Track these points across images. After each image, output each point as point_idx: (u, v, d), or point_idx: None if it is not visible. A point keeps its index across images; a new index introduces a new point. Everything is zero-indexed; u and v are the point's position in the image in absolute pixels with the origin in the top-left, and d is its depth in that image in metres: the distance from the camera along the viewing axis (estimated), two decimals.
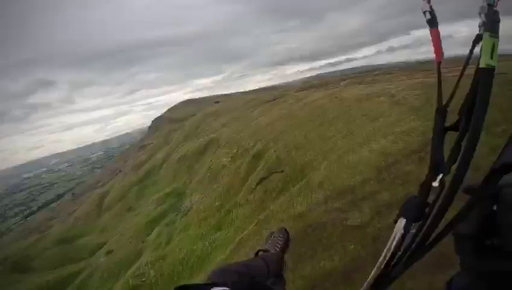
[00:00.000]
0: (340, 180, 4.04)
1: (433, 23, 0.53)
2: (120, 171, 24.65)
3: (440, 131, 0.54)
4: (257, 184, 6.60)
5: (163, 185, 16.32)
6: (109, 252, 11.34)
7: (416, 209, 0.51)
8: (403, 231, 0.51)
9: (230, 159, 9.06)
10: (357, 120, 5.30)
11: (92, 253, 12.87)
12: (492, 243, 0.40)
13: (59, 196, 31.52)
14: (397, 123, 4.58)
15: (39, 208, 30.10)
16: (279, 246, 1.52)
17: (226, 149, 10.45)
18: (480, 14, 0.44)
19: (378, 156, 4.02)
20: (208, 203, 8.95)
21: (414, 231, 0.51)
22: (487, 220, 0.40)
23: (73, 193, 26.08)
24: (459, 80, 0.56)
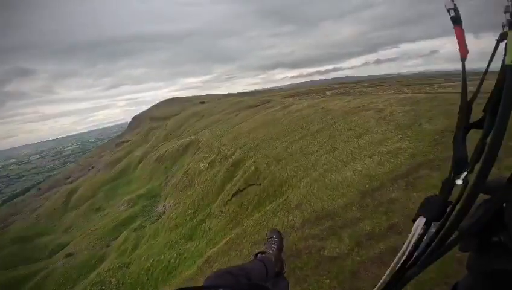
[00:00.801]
0: (320, 202, 3.65)
1: (456, 20, 0.52)
2: (93, 167, 23.24)
3: (464, 128, 0.53)
4: (233, 195, 6.12)
5: (138, 186, 15.40)
6: (69, 254, 10.37)
7: (437, 208, 0.50)
8: (421, 231, 0.50)
9: (208, 164, 8.52)
10: (342, 135, 4.97)
11: (51, 254, 11.79)
12: (499, 240, 0.42)
13: (26, 190, 29.25)
14: (384, 142, 4.27)
15: (4, 202, 27.74)
16: (275, 247, 1.48)
17: (205, 153, 9.89)
18: (505, 13, 0.44)
19: (363, 178, 3.67)
20: (181, 209, 8.35)
21: (433, 230, 0.50)
22: (494, 216, 0.41)
23: (39, 188, 24.25)
24: (483, 79, 0.55)
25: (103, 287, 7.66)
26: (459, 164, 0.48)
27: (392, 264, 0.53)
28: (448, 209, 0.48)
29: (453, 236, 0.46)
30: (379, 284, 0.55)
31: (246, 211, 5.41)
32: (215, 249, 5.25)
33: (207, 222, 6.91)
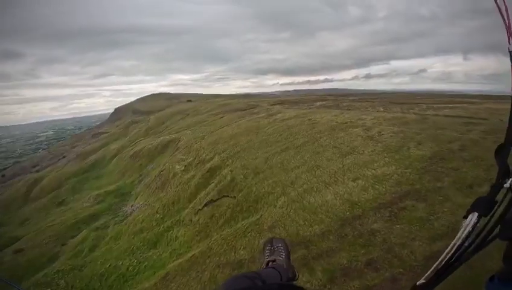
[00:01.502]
0: (295, 226, 3.26)
1: None
2: (64, 156, 21.81)
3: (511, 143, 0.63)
4: (205, 205, 5.62)
5: (108, 181, 14.43)
6: (19, 250, 9.36)
7: (489, 206, 0.60)
8: (473, 224, 0.60)
9: (183, 167, 7.98)
10: (327, 152, 4.64)
11: (3, 247, 10.63)
12: None
13: None
14: (370, 164, 3.97)
15: None
16: (283, 254, 1.46)
17: (182, 155, 9.32)
18: None
19: (344, 203, 3.33)
20: (149, 213, 7.72)
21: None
22: None
23: (3, 175, 22.38)
24: None
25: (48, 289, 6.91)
26: (506, 172, 0.61)
27: (445, 253, 0.62)
28: (495, 208, 0.60)
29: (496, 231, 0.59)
30: (432, 268, 0.64)
31: (216, 224, 4.94)
32: (176, 263, 4.73)
33: (174, 229, 6.36)
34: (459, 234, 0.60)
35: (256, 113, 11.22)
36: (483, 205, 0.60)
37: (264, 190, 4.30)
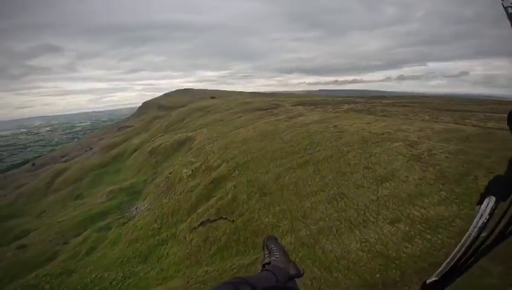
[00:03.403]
0: (301, 286, 2.26)
1: None
2: (91, 148, 22.52)
3: None
4: (201, 223, 4.78)
5: (125, 177, 14.30)
6: (22, 246, 9.34)
7: (506, 187, 0.49)
8: (489, 213, 0.48)
9: (190, 172, 7.26)
10: (356, 174, 3.50)
11: (12, 240, 10.78)
12: None
13: (25, 162, 28.74)
14: (417, 199, 2.82)
15: (6, 169, 27.32)
16: (277, 254, 1.30)
17: (192, 157, 8.60)
18: None
19: (374, 258, 2.25)
20: (149, 220, 7.10)
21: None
22: None
23: (33, 163, 23.68)
24: None
25: None
26: None
27: (462, 241, 0.51)
28: None
29: None
30: (441, 268, 0.54)
31: (208, 251, 4.06)
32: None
33: (168, 244, 5.64)
34: (474, 223, 0.49)
35: (275, 114, 10.18)
36: (501, 186, 0.49)
37: (268, 220, 3.32)
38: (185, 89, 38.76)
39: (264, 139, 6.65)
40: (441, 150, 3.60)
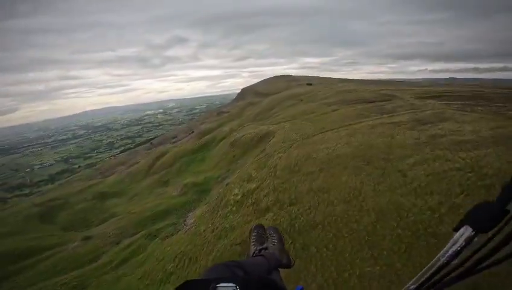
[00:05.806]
0: None
1: None
2: (192, 132, 24.39)
3: None
4: None
5: (205, 168, 13.93)
6: (86, 238, 9.80)
7: (491, 217, 0.41)
8: (463, 243, 0.43)
9: (238, 199, 5.13)
10: None
11: (102, 221, 11.91)
12: None
13: (150, 140, 35.06)
14: None
15: (135, 146, 34.63)
16: (275, 242, 1.41)
17: (254, 169, 6.35)
18: None
19: None
20: (170, 253, 5.50)
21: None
22: None
23: (151, 142, 28.00)
24: None
25: None
26: None
27: (424, 270, 0.48)
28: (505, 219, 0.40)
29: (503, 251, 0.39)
30: (408, 285, 0.51)
31: None
32: None
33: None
34: (444, 249, 0.45)
35: (389, 112, 6.51)
36: (484, 217, 0.42)
37: None
38: (282, 75, 36.95)
39: (363, 166, 3.60)
40: None
